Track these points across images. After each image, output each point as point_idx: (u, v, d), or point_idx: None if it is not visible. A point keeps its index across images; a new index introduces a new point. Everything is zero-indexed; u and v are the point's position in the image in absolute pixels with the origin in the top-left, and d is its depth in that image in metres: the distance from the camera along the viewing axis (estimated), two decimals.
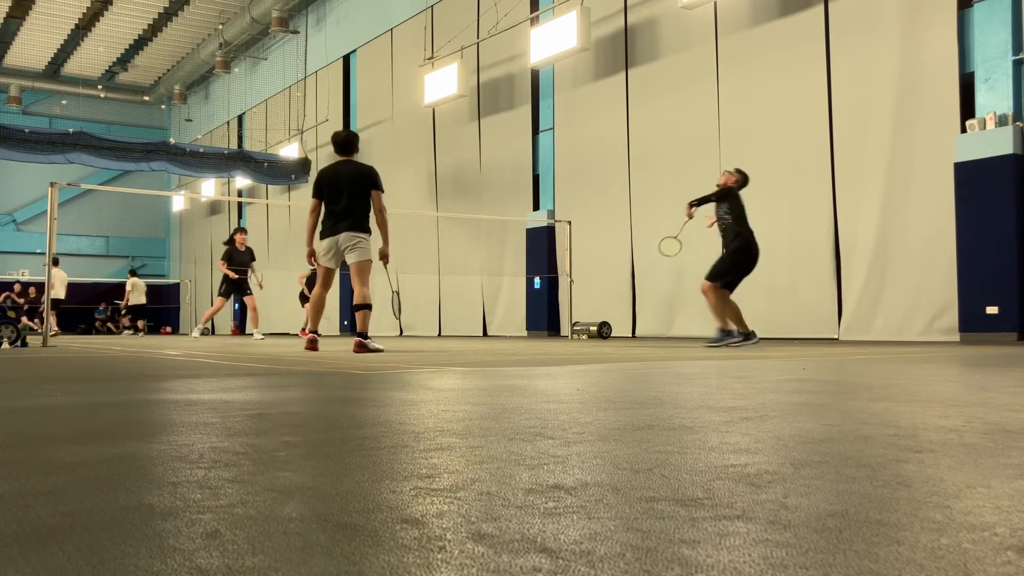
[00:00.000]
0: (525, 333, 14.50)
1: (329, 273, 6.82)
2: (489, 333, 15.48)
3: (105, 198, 27.08)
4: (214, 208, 26.63)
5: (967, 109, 8.95)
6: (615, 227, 12.86)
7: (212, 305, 13.20)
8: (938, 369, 3.94)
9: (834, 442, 1.53)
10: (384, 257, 6.83)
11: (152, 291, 21.82)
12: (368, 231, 6.76)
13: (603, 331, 12.12)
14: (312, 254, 6.87)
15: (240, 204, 24.63)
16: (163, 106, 28.95)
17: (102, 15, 22.10)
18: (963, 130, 8.83)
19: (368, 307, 6.65)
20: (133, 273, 18.34)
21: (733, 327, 7.66)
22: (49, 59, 25.59)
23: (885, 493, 1.07)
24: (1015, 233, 8.43)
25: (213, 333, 22.99)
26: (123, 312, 19.70)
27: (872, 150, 9.60)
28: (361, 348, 6.44)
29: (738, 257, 7.60)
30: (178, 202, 27.47)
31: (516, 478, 1.20)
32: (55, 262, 12.91)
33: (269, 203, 22.49)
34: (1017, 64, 8.62)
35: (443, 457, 1.39)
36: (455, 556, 0.79)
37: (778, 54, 10.68)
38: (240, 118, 25.05)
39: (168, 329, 27.41)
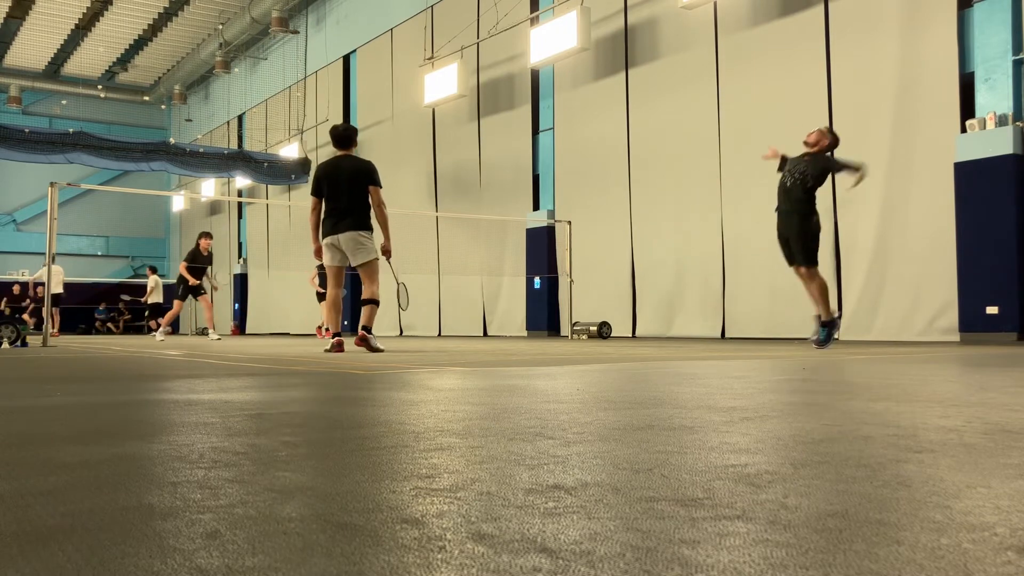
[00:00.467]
0: (525, 333, 14.50)
1: (339, 271, 6.79)
2: (489, 333, 15.48)
3: (105, 198, 27.08)
4: (214, 208, 26.62)
5: (967, 109, 8.95)
6: (615, 227, 12.86)
7: (173, 309, 13.38)
8: (938, 369, 3.94)
9: (834, 442, 1.53)
10: (386, 252, 6.83)
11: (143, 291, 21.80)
12: (370, 228, 6.76)
13: (603, 331, 12.12)
14: (319, 250, 6.83)
15: (240, 204, 24.62)
16: (163, 106, 28.95)
17: (102, 15, 22.10)
18: (963, 130, 8.83)
19: (375, 303, 6.69)
20: (153, 271, 18.19)
21: (832, 312, 6.88)
22: (49, 59, 25.59)
23: (885, 493, 1.07)
24: (1015, 233, 8.43)
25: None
26: (147, 313, 19.59)
27: (872, 150, 9.60)
28: (363, 342, 6.47)
29: (816, 228, 6.79)
30: (178, 202, 27.46)
31: (516, 478, 1.20)
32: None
33: (269, 203, 22.49)
34: (1017, 64, 8.62)
35: (443, 457, 1.39)
36: (455, 556, 0.79)
37: (778, 54, 10.68)
38: (240, 118, 25.05)
39: (168, 330, 27.40)
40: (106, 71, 26.79)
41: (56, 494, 1.09)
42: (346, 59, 19.91)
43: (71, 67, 26.16)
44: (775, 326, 10.58)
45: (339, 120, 19.86)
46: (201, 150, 19.39)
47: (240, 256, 24.99)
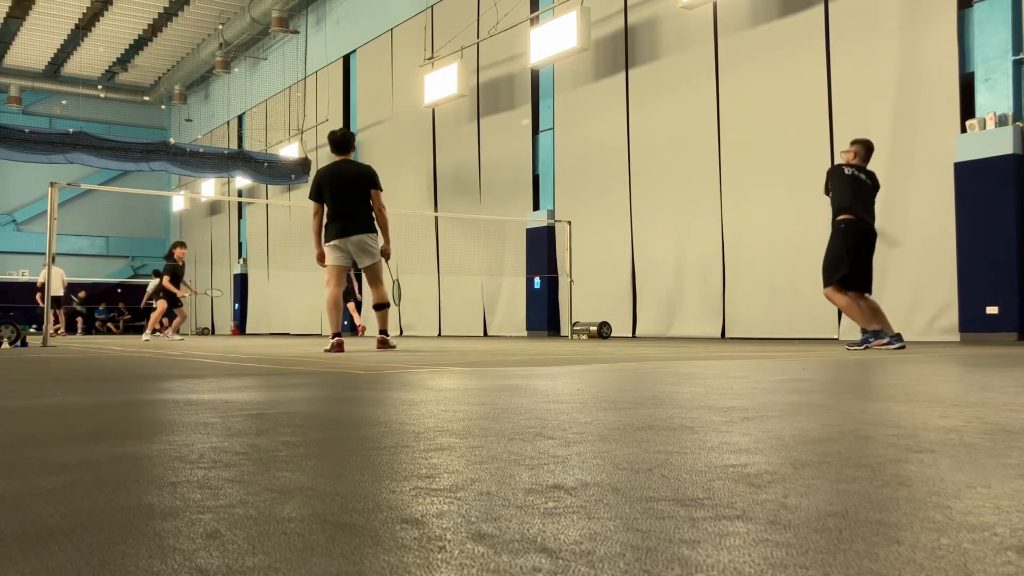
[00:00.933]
0: (525, 333, 14.50)
1: (342, 271, 6.94)
2: (489, 333, 15.48)
3: (105, 198, 27.08)
4: (214, 208, 26.63)
5: (967, 109, 8.95)
6: (615, 227, 12.86)
7: (180, 316, 13.38)
8: (938, 369, 3.94)
9: (834, 442, 1.53)
10: (386, 254, 7.01)
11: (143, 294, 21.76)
12: (375, 230, 6.93)
13: (603, 331, 12.12)
14: (322, 256, 6.97)
15: (240, 204, 24.62)
16: (163, 106, 28.95)
17: (102, 15, 22.10)
18: (963, 130, 8.83)
19: (388, 306, 7.09)
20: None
21: (876, 326, 6.58)
22: (49, 59, 25.58)
23: (885, 493, 1.07)
24: (1015, 233, 8.43)
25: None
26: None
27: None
28: (383, 344, 6.90)
29: (840, 245, 6.54)
30: (178, 202, 27.47)
31: (516, 478, 1.20)
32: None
33: (269, 203, 22.49)
34: (1017, 64, 8.62)
35: (443, 457, 1.39)
36: (455, 556, 0.79)
37: (778, 54, 10.68)
38: (240, 118, 25.04)
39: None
40: (106, 71, 26.79)
41: (56, 494, 1.09)
42: (346, 59, 19.91)
43: (71, 67, 26.16)
44: (775, 326, 10.58)
45: (339, 120, 19.87)
46: (201, 150, 19.38)
47: (240, 256, 24.99)
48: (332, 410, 2.21)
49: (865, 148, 6.81)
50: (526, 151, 14.69)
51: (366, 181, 6.79)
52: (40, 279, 18.49)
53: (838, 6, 10.09)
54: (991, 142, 8.55)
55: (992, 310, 8.48)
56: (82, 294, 24.35)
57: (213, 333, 25.20)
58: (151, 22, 22.78)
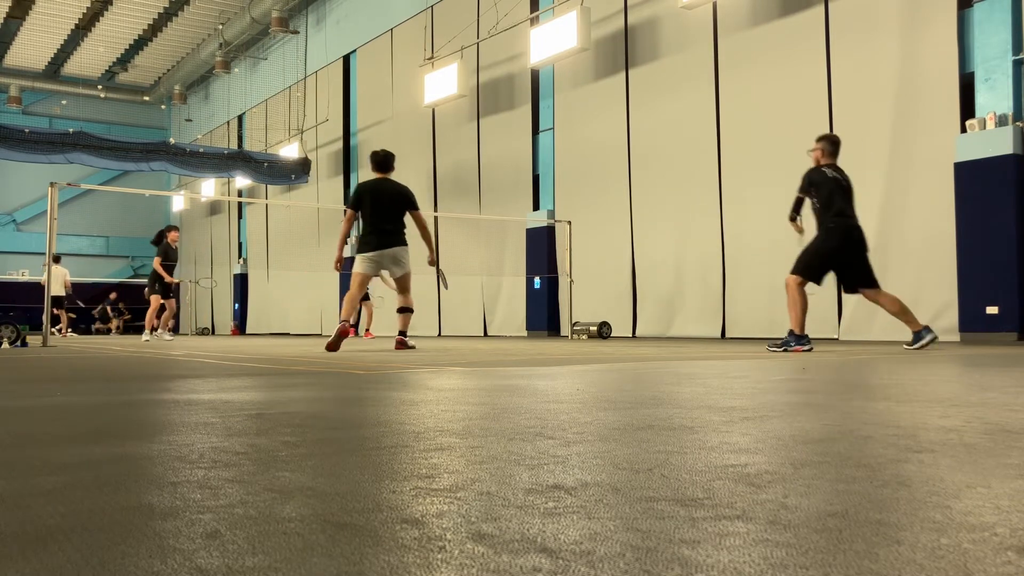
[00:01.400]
0: (525, 333, 14.50)
1: (367, 279, 7.42)
2: (489, 333, 15.48)
3: (105, 198, 27.07)
4: (214, 208, 26.63)
5: (967, 109, 8.95)
6: (615, 227, 12.86)
7: (168, 310, 13.07)
8: (938, 369, 3.94)
9: (834, 442, 1.53)
10: (433, 261, 7.73)
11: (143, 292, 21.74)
12: (407, 244, 7.50)
13: (603, 331, 12.12)
14: (340, 259, 7.45)
15: (240, 204, 24.62)
16: (163, 106, 28.94)
17: (102, 15, 22.10)
18: (963, 130, 8.83)
19: (411, 311, 7.64)
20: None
21: (798, 331, 6.45)
22: (49, 59, 25.58)
23: (885, 493, 1.07)
24: (1015, 233, 8.42)
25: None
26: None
27: (872, 150, 9.60)
28: (402, 345, 7.39)
29: (823, 245, 6.49)
30: (178, 202, 27.46)
31: (516, 478, 1.20)
32: (56, 260, 12.83)
33: (269, 203, 22.49)
34: (1017, 64, 8.62)
35: (443, 457, 1.40)
36: (455, 556, 0.79)
37: (778, 54, 10.68)
38: (240, 118, 25.04)
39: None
40: (106, 71, 26.79)
41: (56, 494, 1.09)
42: (346, 59, 19.91)
43: (71, 67, 26.16)
44: (775, 326, 10.56)
45: (339, 120, 19.91)
46: (201, 150, 19.38)
47: (240, 256, 24.99)
48: (332, 410, 2.21)
49: (832, 144, 6.69)
50: (526, 151, 14.69)
51: (404, 201, 7.34)
52: (43, 280, 18.48)
53: (838, 6, 10.08)
54: (991, 142, 8.55)
55: (992, 310, 8.48)
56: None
57: (213, 333, 25.20)
58: (151, 22, 22.78)
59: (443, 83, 14.95)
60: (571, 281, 13.14)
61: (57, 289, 15.80)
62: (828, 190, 6.51)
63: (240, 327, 24.30)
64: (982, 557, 0.78)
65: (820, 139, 6.79)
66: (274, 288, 22.50)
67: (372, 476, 1.22)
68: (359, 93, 19.53)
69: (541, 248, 14.17)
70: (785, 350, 6.35)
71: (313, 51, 20.82)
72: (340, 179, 19.83)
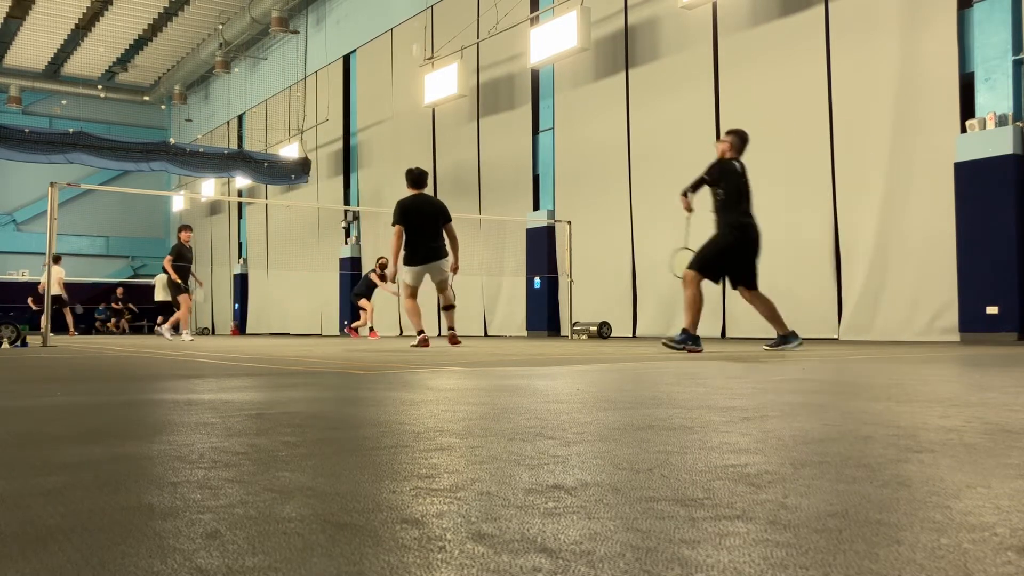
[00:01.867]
0: (525, 333, 14.49)
1: (415, 289, 8.17)
2: (489, 333, 15.48)
3: (105, 198, 27.06)
4: (214, 208, 26.63)
5: (967, 109, 8.95)
6: (615, 227, 12.86)
7: (179, 309, 12.93)
8: (938, 369, 3.94)
9: (834, 442, 1.53)
10: (455, 269, 8.31)
11: (152, 291, 21.75)
12: (447, 255, 8.20)
13: (603, 331, 12.12)
14: (394, 273, 8.25)
15: (240, 204, 24.62)
16: (163, 106, 28.94)
17: (102, 15, 22.09)
18: (963, 130, 8.83)
19: (454, 307, 8.49)
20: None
21: (693, 331, 6.25)
22: (49, 59, 25.57)
23: (885, 493, 1.07)
24: (1015, 233, 8.42)
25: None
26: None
27: (872, 150, 9.60)
28: (455, 340, 8.24)
29: (726, 244, 6.39)
30: (178, 202, 27.46)
31: (516, 478, 1.20)
32: (56, 260, 12.80)
33: (269, 203, 22.49)
34: (1017, 64, 8.62)
35: (443, 457, 1.39)
36: (455, 556, 0.79)
37: (778, 54, 10.67)
38: (240, 118, 25.04)
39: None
40: (106, 71, 26.78)
41: (56, 494, 1.09)
42: (346, 59, 19.91)
43: (71, 67, 26.15)
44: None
45: (339, 120, 19.91)
46: (201, 150, 19.37)
47: (240, 256, 24.99)
48: (332, 410, 2.21)
49: (741, 140, 6.54)
50: (526, 151, 14.69)
51: (442, 215, 8.05)
52: (43, 280, 18.45)
53: (838, 6, 10.08)
54: (991, 142, 8.54)
55: (992, 310, 8.48)
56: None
57: (213, 333, 25.21)
58: (151, 22, 22.78)
59: (443, 83, 14.95)
60: (571, 281, 13.14)
61: (57, 289, 15.79)
62: (736, 186, 6.39)
63: (240, 327, 24.30)
64: (982, 557, 0.78)
65: (730, 133, 6.63)
66: (274, 288, 22.50)
67: (372, 476, 1.22)
68: (359, 93, 19.53)
69: (541, 248, 14.17)
70: (685, 349, 6.11)
71: (313, 51, 20.82)
72: (340, 179, 19.83)
